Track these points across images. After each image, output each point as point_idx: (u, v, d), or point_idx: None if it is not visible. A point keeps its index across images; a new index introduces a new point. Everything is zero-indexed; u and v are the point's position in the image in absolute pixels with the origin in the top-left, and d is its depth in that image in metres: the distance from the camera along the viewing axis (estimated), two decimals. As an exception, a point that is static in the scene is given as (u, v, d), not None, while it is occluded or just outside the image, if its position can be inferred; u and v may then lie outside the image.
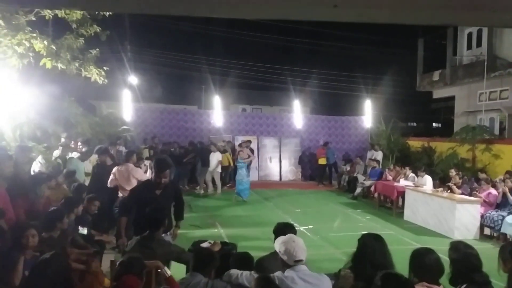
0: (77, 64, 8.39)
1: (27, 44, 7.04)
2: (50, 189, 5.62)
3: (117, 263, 2.77)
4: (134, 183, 6.86)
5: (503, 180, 8.55)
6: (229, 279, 3.00)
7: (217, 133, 15.26)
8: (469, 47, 16.50)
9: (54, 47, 7.57)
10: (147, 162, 9.14)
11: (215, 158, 12.13)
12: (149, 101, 23.14)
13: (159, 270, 2.99)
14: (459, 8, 1.85)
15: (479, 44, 15.83)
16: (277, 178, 15.75)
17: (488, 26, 12.76)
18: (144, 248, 3.39)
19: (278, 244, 2.95)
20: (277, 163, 15.85)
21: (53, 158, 7.57)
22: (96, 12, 8.43)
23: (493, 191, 8.28)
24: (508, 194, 8.03)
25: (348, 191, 13.10)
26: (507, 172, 9.07)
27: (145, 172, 7.92)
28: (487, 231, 8.17)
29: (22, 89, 7.23)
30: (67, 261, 3.72)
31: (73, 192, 5.90)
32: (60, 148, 7.60)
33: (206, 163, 12.61)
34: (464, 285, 2.64)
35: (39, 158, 6.89)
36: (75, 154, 8.01)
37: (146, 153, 13.06)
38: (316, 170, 15.55)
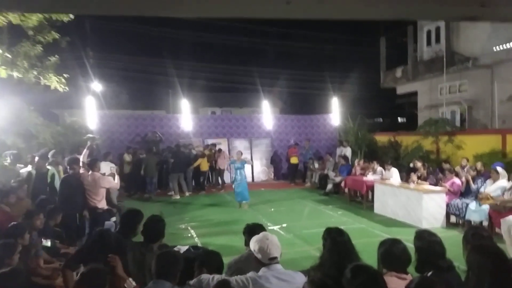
0: (35, 72, 8.05)
1: (-21, 53, 6.73)
2: (9, 205, 5.36)
3: (78, 274, 2.63)
4: (102, 192, 6.69)
5: (463, 168, 9.00)
6: (200, 284, 2.90)
7: (186, 137, 15.07)
8: (429, 43, 17.07)
9: (9, 55, 7.25)
10: (113, 166, 8.91)
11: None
12: (115, 108, 22.63)
13: (125, 286, 2.88)
14: (412, 2, 1.91)
15: (437, 40, 16.41)
16: (249, 179, 15.68)
17: (441, 20, 13.24)
18: (138, 253, 3.35)
19: (253, 243, 2.94)
20: (249, 164, 15.81)
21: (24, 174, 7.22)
22: (54, 18, 8.14)
23: (456, 180, 8.61)
24: (471, 182, 8.41)
25: (319, 188, 13.28)
26: (464, 158, 9.68)
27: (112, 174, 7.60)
28: (453, 219, 8.49)
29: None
30: (29, 277, 3.56)
31: (36, 206, 5.65)
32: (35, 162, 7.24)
33: (178, 167, 12.48)
34: (430, 272, 2.71)
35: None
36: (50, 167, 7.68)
37: (127, 157, 12.86)
38: (288, 169, 15.68)
